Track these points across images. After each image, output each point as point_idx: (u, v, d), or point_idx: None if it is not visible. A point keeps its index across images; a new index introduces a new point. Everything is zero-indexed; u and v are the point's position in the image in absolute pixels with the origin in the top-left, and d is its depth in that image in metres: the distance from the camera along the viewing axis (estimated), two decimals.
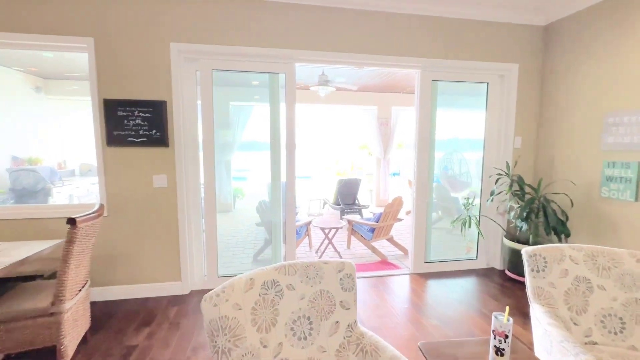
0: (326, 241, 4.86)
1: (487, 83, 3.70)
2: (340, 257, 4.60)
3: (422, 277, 3.68)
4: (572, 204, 3.28)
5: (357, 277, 3.55)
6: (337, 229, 4.70)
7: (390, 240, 4.86)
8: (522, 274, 3.44)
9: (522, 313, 2.86)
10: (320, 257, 4.57)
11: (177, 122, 3.07)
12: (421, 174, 3.66)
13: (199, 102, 3.19)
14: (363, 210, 6.79)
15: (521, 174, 3.66)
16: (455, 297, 3.18)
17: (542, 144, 3.73)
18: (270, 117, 3.42)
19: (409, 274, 3.77)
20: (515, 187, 3.49)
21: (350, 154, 23.45)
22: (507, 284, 3.46)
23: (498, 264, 3.89)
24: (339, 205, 6.79)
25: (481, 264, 3.97)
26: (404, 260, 4.49)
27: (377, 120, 8.24)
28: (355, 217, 6.88)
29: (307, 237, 5.02)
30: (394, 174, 16.02)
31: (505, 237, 3.64)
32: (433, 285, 3.46)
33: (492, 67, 3.57)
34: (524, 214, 3.08)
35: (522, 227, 3.19)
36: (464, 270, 3.88)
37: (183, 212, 3.17)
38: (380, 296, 3.22)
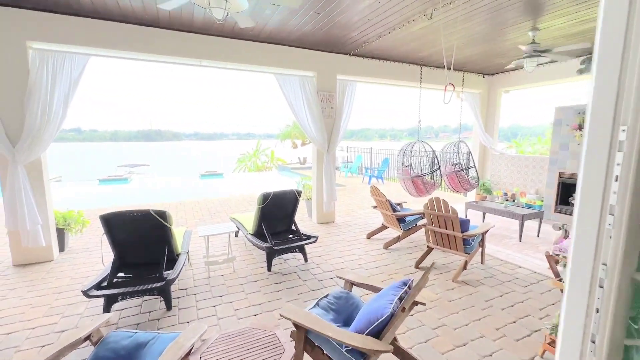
0: None
1: None
2: None
3: None
4: None
5: None
6: None
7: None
8: None
9: None
10: None
11: None
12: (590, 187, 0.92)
13: None
14: (306, 247, 3.91)
15: None
16: None
17: None
18: None
19: None
20: None
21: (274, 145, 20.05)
22: None
23: None
24: (265, 239, 3.75)
25: None
26: None
27: (317, 94, 5.37)
28: (289, 260, 3.91)
29: None
30: (344, 167, 12.71)
31: None
32: None
33: None
34: None
35: None
36: None
37: None
38: None
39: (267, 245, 3.58)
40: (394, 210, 4.50)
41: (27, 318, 2.75)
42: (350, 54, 5.55)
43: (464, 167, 6.51)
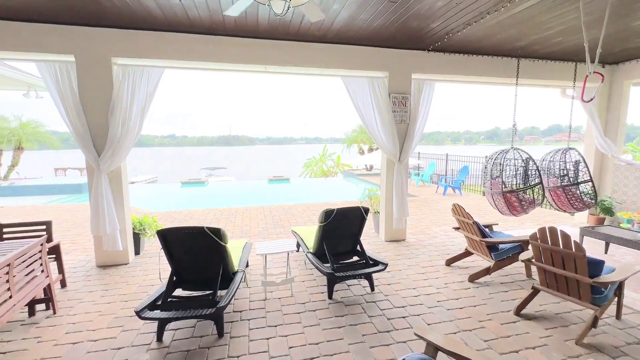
0: None
1: None
2: None
3: None
4: None
5: None
6: None
7: None
8: None
9: None
10: None
11: None
12: None
13: None
14: (374, 275, 3.34)
15: None
16: None
17: None
18: None
19: None
20: None
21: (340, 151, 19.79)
22: None
23: None
24: (327, 260, 3.34)
25: None
26: None
27: (388, 96, 4.80)
28: (353, 286, 3.37)
29: None
30: (415, 175, 11.51)
31: None
32: None
33: None
34: None
35: None
36: None
37: None
38: None
39: (329, 270, 3.15)
40: (484, 235, 3.65)
41: (93, 327, 2.78)
42: (428, 50, 4.84)
43: (574, 181, 5.20)
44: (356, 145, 20.05)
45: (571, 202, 5.12)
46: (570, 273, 2.60)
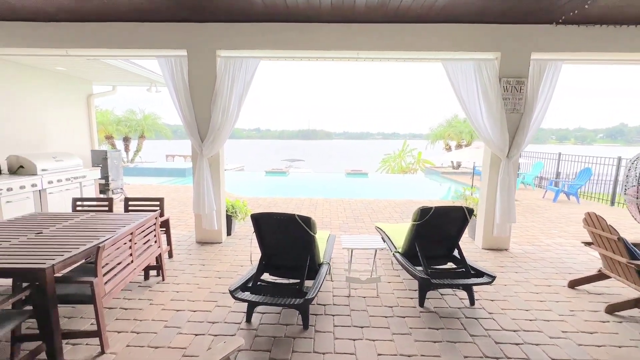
0: None
1: None
2: None
3: None
4: None
5: None
6: None
7: None
8: None
9: None
10: None
11: None
12: None
13: None
14: (474, 288, 2.86)
15: None
16: None
17: None
18: None
19: None
20: None
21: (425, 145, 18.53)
22: None
23: None
24: (418, 262, 2.99)
25: None
26: None
27: (498, 81, 4.10)
28: (447, 296, 2.94)
29: None
30: (522, 179, 9.77)
31: None
32: None
33: None
34: None
35: None
36: None
37: None
38: None
39: (422, 275, 2.80)
40: (634, 256, 2.81)
41: (192, 298, 3.01)
42: (556, 23, 3.96)
43: None
44: (442, 141, 18.49)
45: None
46: None
